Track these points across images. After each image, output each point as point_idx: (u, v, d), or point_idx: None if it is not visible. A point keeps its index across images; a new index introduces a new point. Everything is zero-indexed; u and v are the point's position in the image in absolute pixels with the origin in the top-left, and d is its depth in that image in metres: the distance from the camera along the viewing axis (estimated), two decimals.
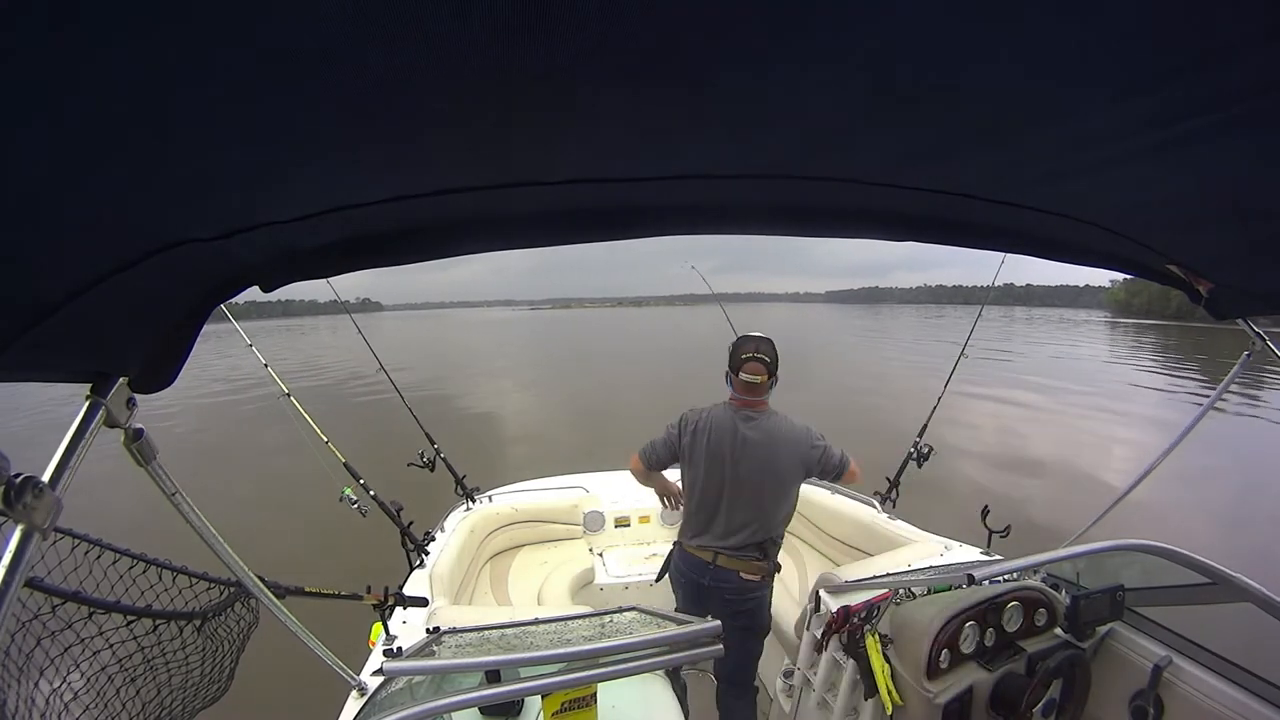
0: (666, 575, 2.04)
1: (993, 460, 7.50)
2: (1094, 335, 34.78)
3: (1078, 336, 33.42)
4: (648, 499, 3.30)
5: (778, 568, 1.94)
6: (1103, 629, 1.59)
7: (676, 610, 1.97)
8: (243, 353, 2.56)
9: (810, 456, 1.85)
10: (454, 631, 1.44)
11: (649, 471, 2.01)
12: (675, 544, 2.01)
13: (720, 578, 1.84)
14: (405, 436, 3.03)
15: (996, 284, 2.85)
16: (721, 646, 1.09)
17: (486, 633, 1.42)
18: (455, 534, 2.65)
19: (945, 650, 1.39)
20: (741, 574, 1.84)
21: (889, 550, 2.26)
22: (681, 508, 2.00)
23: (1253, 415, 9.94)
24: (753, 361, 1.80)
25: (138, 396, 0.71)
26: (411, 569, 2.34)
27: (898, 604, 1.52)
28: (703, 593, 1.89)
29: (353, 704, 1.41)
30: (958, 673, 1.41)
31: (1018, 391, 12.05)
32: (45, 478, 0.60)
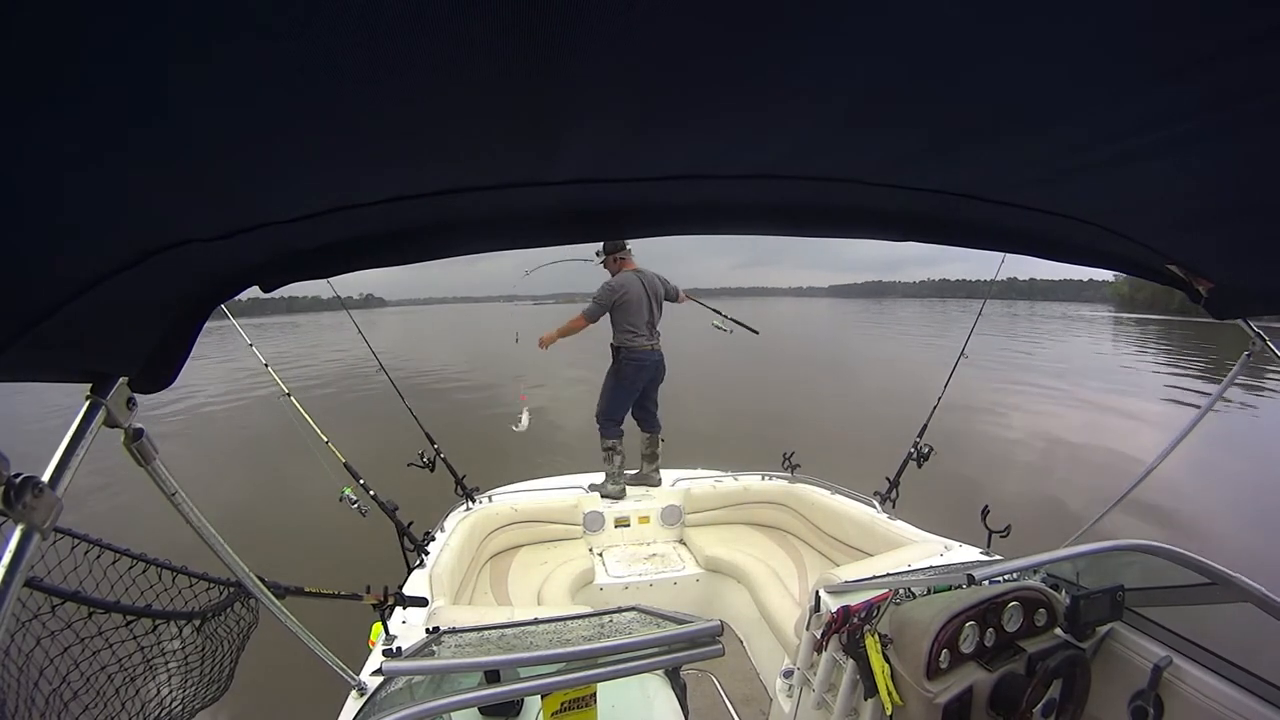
0: (627, 373, 3.30)
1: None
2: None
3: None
4: (647, 499, 3.31)
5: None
6: (1103, 629, 1.58)
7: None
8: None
9: (659, 275, 3.39)
10: (453, 631, 1.44)
11: (587, 325, 3.32)
12: (621, 351, 3.27)
13: (660, 356, 3.37)
14: (407, 437, 3.02)
15: (999, 278, 2.85)
16: (721, 646, 1.09)
17: (486, 633, 1.42)
18: (455, 534, 2.65)
19: (945, 650, 1.39)
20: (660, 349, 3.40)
21: (889, 550, 2.26)
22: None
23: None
24: (621, 244, 3.27)
25: (138, 396, 0.71)
26: (411, 569, 2.34)
27: (898, 604, 1.52)
28: (657, 369, 3.38)
29: (352, 704, 1.41)
30: (957, 673, 1.41)
31: None
32: (45, 478, 0.60)
